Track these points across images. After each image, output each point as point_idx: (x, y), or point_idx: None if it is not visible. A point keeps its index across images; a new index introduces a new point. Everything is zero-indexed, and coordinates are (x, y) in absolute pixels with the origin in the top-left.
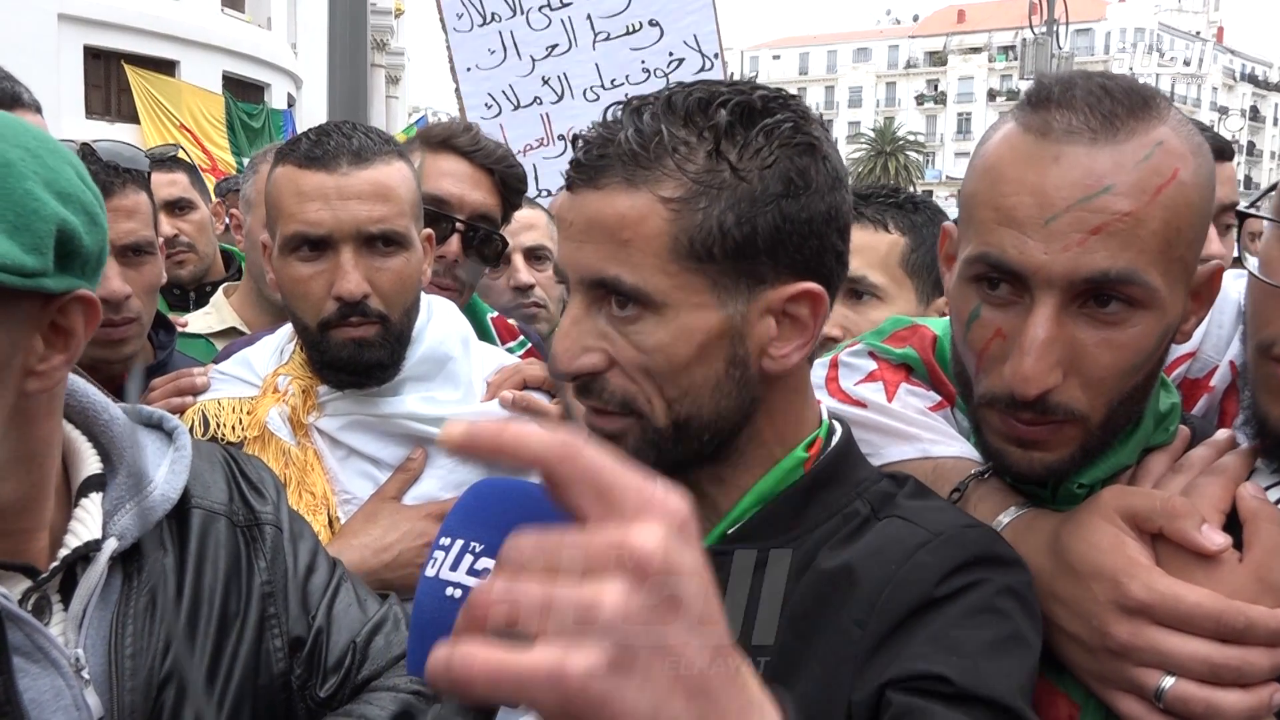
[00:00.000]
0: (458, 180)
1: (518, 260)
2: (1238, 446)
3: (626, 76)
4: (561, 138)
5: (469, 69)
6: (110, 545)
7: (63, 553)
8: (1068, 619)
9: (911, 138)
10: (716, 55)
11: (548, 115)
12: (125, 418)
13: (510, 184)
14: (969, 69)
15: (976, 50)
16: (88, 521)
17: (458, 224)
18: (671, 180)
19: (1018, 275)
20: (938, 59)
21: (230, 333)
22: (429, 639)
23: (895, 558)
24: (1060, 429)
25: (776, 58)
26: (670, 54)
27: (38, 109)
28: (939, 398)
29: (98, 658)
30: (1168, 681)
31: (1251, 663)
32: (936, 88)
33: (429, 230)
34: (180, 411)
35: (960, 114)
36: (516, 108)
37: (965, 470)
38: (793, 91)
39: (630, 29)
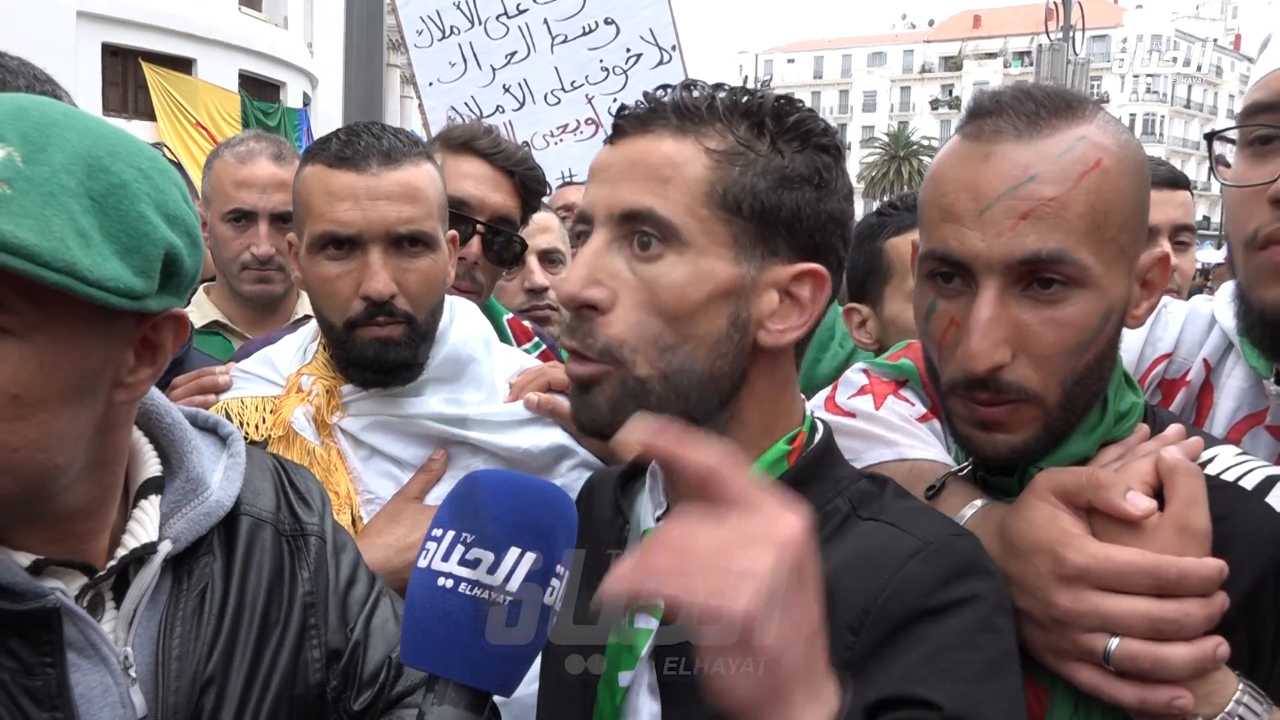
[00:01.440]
0: (478, 182)
1: (532, 262)
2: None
3: (586, 77)
4: (526, 144)
5: (430, 83)
6: (165, 548)
7: (120, 553)
8: (1019, 597)
9: (925, 143)
10: (674, 48)
11: (510, 123)
12: (186, 421)
13: (530, 186)
14: (984, 74)
15: (992, 55)
16: (145, 524)
17: (478, 226)
18: (717, 136)
19: (961, 265)
20: (953, 64)
21: (214, 326)
22: (421, 628)
23: (888, 565)
24: (1018, 409)
25: (791, 61)
26: (628, 50)
27: None
28: (925, 409)
29: (145, 657)
30: (1114, 643)
31: (1189, 613)
32: (951, 93)
33: (453, 231)
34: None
35: None
36: (479, 118)
37: (939, 471)
38: (807, 95)
39: (586, 29)
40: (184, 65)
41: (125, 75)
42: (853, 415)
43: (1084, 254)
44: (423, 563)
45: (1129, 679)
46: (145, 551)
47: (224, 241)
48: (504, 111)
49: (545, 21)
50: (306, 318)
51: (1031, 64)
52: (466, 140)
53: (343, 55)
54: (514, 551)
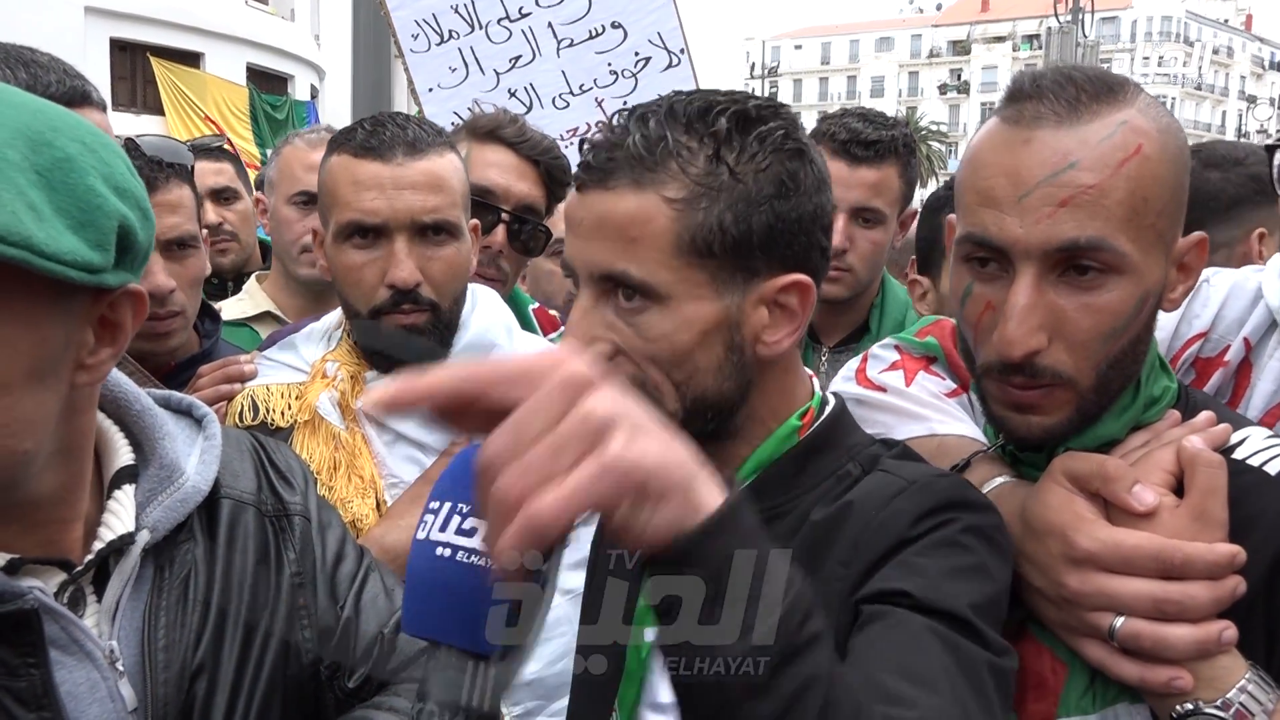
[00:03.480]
0: (503, 171)
1: None
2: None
3: (595, 80)
4: None
5: (430, 89)
6: (143, 538)
7: (97, 546)
8: (1034, 575)
9: (934, 128)
10: (682, 50)
11: None
12: (157, 407)
13: (555, 175)
14: (993, 58)
15: (1001, 39)
16: (121, 514)
17: (503, 215)
18: (675, 182)
19: (999, 250)
20: (961, 48)
21: (265, 317)
22: (421, 597)
23: (875, 504)
24: (1051, 392)
25: (798, 47)
26: (636, 53)
27: (104, 108)
28: (955, 385)
29: (131, 650)
30: (1119, 621)
31: (1193, 595)
32: (960, 77)
33: (475, 220)
34: (229, 398)
35: (984, 104)
36: None
37: (967, 448)
38: (814, 82)
39: (593, 33)
40: (192, 59)
41: (133, 70)
42: (884, 390)
43: (1122, 241)
44: (421, 535)
45: (1133, 656)
46: (123, 542)
47: (286, 223)
48: None
49: (550, 25)
50: None
51: (1041, 47)
52: (492, 129)
53: (350, 47)
54: None
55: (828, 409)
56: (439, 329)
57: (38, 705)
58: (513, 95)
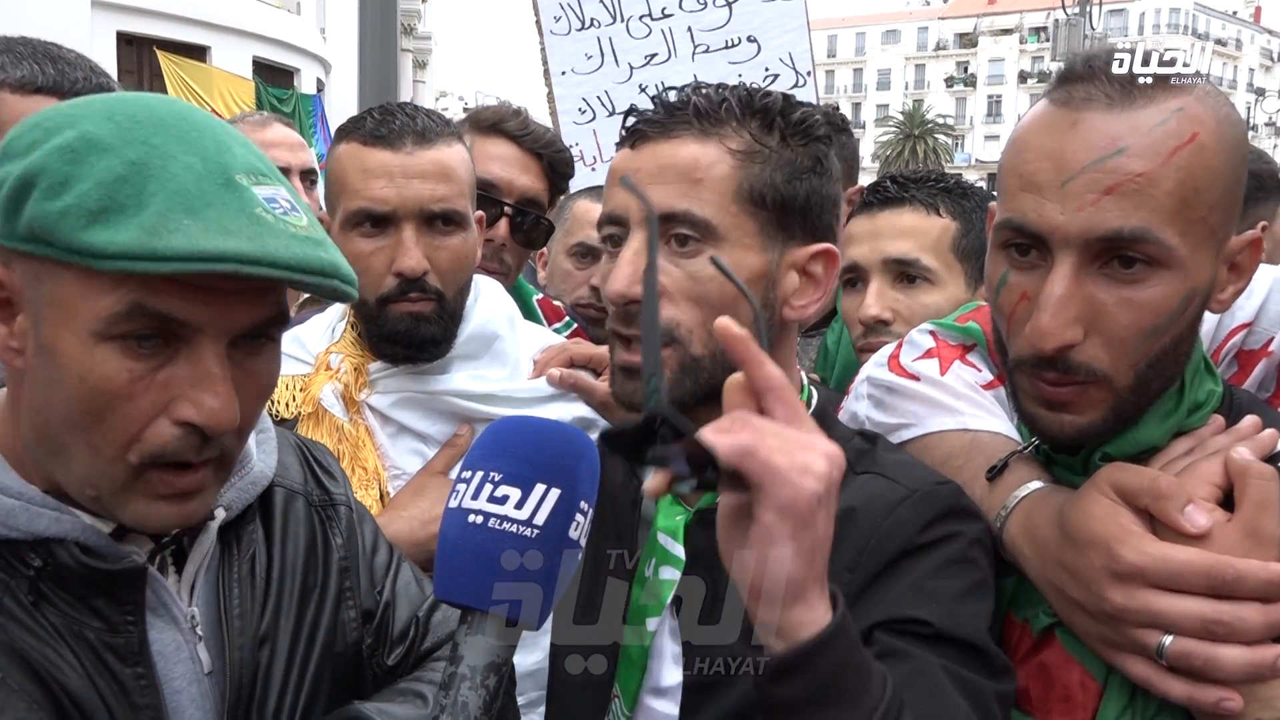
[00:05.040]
0: (507, 164)
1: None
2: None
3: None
4: None
5: (564, 72)
6: (220, 515)
7: None
8: (1072, 587)
9: (941, 121)
10: (809, 73)
11: None
12: None
13: (558, 169)
14: (1000, 50)
15: (1008, 32)
16: None
17: (506, 208)
18: (736, 136)
19: (1038, 237)
20: (968, 41)
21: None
22: (454, 564)
23: (879, 511)
24: (1085, 390)
25: None
26: (766, 69)
27: None
28: (992, 376)
29: (207, 618)
30: (1167, 640)
31: (1244, 618)
32: (966, 70)
33: (480, 212)
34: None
35: (990, 96)
36: (611, 114)
37: (1001, 446)
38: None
39: (729, 43)
40: (198, 53)
41: (140, 63)
42: (917, 379)
43: (1169, 234)
44: (453, 503)
45: (1181, 675)
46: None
47: None
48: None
49: (689, 29)
50: None
51: (1048, 40)
52: (495, 122)
53: (356, 41)
54: (539, 488)
55: (814, 401)
56: (444, 318)
57: (134, 661)
58: (643, 91)
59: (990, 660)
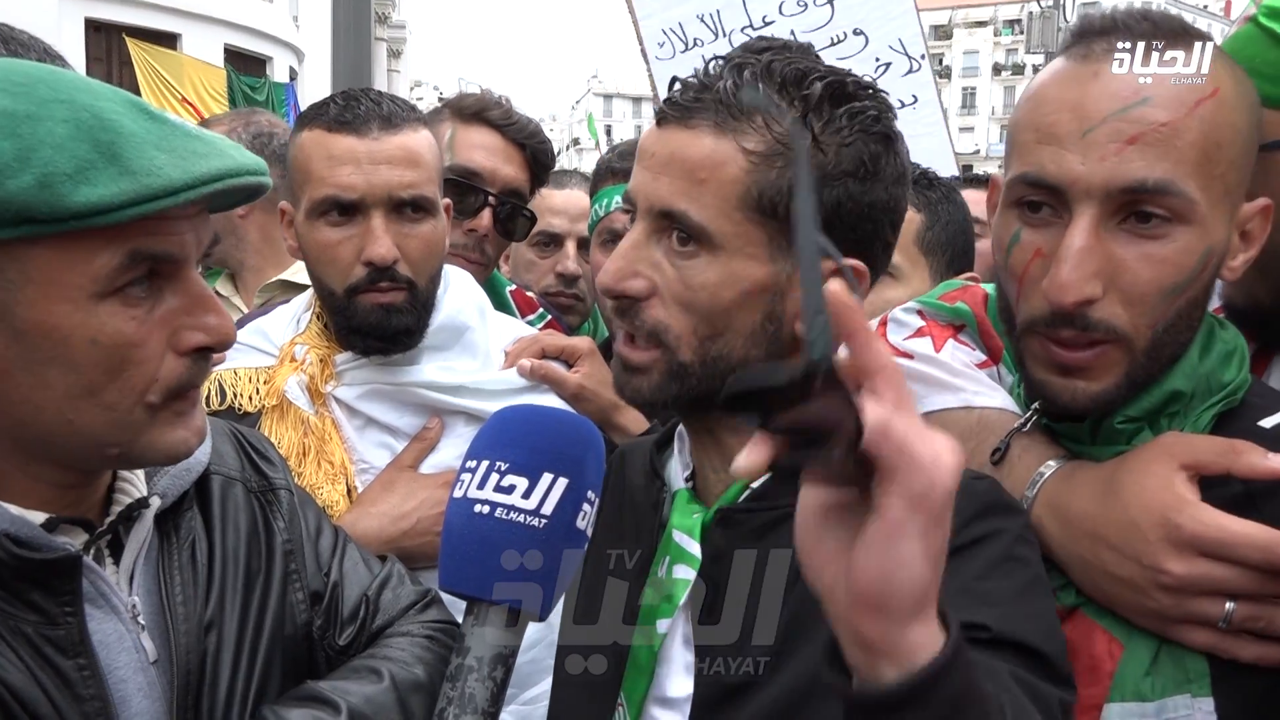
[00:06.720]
0: (490, 154)
1: (570, 247)
2: None
3: None
4: None
5: None
6: (155, 503)
7: (116, 509)
8: (1116, 563)
9: None
10: (923, 56)
11: None
12: None
13: (540, 160)
14: (974, 43)
15: (982, 24)
16: (135, 482)
17: (490, 198)
18: (757, 135)
19: (1056, 190)
20: (942, 33)
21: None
22: (459, 554)
23: None
24: (1103, 352)
25: None
26: (877, 59)
27: None
28: (984, 356)
29: (150, 606)
30: (1230, 605)
31: None
32: (941, 62)
33: (447, 200)
34: None
35: (965, 89)
36: None
37: (1008, 422)
38: None
39: (835, 40)
40: (169, 40)
41: (109, 51)
42: (911, 357)
43: (1191, 186)
44: (458, 493)
45: (1249, 637)
46: (138, 506)
47: None
48: None
49: (792, 33)
50: None
51: (1022, 32)
52: (479, 110)
53: (330, 29)
54: (546, 477)
55: None
56: (415, 308)
57: (75, 653)
58: None
59: (1054, 667)
